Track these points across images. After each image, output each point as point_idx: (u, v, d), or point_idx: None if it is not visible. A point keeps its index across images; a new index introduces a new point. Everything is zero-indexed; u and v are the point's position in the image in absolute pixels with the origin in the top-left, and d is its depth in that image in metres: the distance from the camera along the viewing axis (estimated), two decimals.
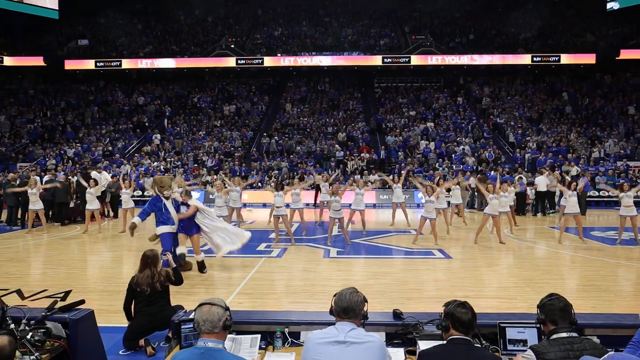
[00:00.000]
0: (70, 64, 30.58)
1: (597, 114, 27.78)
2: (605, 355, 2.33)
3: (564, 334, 2.68)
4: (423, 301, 6.68)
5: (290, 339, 3.60)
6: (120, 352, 4.85)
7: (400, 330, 3.59)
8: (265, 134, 26.97)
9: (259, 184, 22.01)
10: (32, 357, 3.11)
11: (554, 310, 2.80)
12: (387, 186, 21.76)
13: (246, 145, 26.44)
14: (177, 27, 36.15)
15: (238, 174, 21.39)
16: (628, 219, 11.22)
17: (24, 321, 3.43)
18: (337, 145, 25.21)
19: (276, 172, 22.85)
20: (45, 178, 15.94)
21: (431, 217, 11.08)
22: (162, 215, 8.12)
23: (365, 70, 32.38)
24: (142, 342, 4.87)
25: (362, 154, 24.46)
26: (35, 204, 13.09)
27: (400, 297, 6.77)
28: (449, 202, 14.15)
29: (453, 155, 23.97)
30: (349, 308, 2.72)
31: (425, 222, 11.32)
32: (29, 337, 3.28)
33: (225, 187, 12.84)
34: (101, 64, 30.52)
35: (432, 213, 11.10)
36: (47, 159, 23.91)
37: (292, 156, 24.62)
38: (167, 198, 8.15)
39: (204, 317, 2.60)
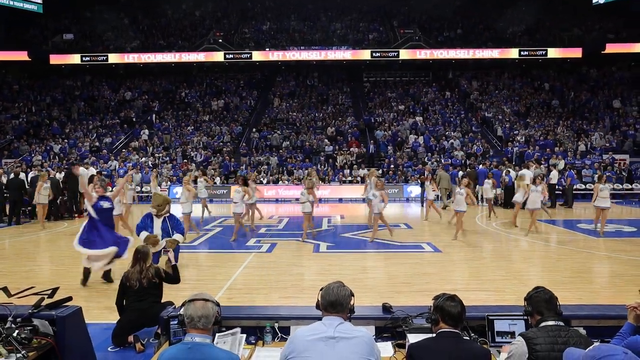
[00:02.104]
0: (55, 59, 30.13)
1: (583, 107, 28.07)
2: (592, 346, 2.36)
3: (551, 322, 2.78)
4: (412, 295, 6.72)
5: (280, 334, 3.60)
6: (109, 349, 4.82)
7: (390, 324, 3.60)
8: (254, 128, 26.85)
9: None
10: (18, 355, 3.08)
11: (540, 302, 2.91)
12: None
13: (235, 140, 26.32)
14: (165, 22, 35.78)
15: (230, 169, 21.40)
16: (599, 210, 11.49)
17: (10, 319, 3.37)
18: (326, 140, 25.20)
19: (265, 167, 22.79)
20: (31, 174, 15.74)
21: (376, 212, 10.90)
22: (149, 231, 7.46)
23: (354, 65, 32.34)
24: (131, 338, 4.84)
25: (351, 149, 24.48)
26: (46, 198, 13.16)
27: (389, 291, 6.80)
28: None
29: (443, 151, 24.09)
30: (336, 302, 2.69)
31: (376, 217, 11.07)
32: (15, 334, 3.24)
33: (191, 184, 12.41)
34: (87, 58, 30.11)
35: (377, 207, 10.85)
36: (32, 155, 23.59)
37: (281, 151, 24.56)
38: (157, 216, 7.52)
39: (199, 313, 2.56)
